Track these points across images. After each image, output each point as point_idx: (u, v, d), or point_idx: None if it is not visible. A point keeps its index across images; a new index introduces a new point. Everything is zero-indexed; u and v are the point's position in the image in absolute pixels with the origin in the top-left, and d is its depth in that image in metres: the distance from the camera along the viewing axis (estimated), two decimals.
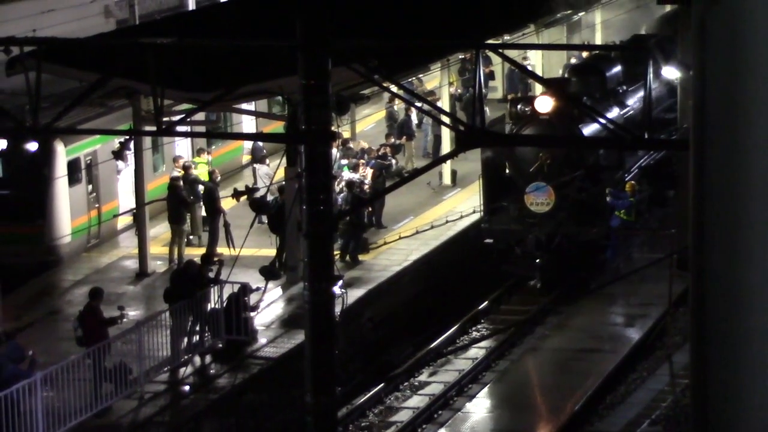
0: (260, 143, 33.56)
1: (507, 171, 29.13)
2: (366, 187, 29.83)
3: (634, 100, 31.17)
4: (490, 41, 29.03)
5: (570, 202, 28.13)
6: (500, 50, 15.29)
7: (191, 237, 29.50)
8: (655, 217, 31.00)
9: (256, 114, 31.95)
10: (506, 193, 28.77)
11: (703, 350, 7.86)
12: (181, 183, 29.16)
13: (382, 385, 24.23)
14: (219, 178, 30.00)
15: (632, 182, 29.79)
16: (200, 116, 29.94)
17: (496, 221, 28.70)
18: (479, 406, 23.79)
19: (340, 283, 24.42)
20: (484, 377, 25.11)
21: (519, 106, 28.72)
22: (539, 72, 36.84)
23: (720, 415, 7.85)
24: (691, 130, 7.86)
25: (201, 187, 29.43)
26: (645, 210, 30.68)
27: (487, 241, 28.63)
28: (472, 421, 23.07)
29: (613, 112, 29.51)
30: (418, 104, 25.74)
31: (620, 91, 31.02)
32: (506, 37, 32.57)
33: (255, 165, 32.46)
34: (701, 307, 7.84)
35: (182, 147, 32.42)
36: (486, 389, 24.50)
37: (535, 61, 38.76)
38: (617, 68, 31.14)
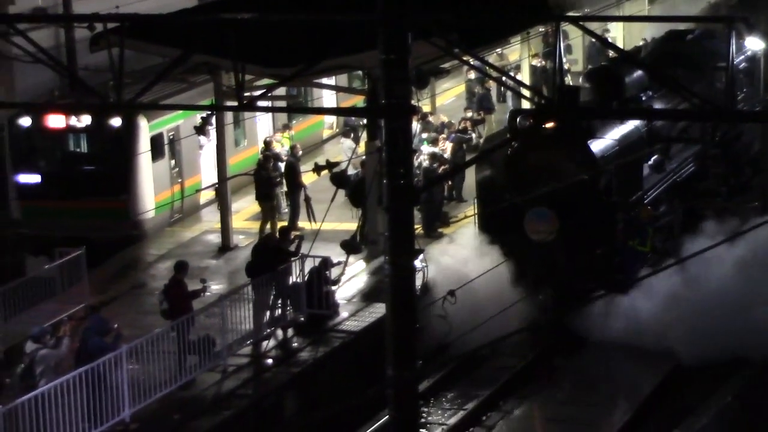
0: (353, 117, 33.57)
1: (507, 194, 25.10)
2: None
3: (661, 108, 27.08)
4: (570, 14, 28.80)
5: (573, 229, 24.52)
6: (580, 22, 15.21)
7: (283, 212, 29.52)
8: (681, 245, 25.65)
9: (337, 89, 32.07)
10: (505, 218, 24.85)
11: None
12: (268, 159, 29.30)
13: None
14: (300, 152, 30.16)
15: (648, 207, 26.05)
16: (281, 91, 30.12)
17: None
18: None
19: (421, 256, 24.64)
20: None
21: (518, 120, 25.02)
22: (620, 45, 36.55)
23: None
24: None
25: (281, 164, 29.55)
26: (669, 237, 26.91)
27: None
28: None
29: (629, 124, 26.21)
30: (498, 77, 25.60)
31: (643, 98, 27.09)
32: (586, 10, 32.29)
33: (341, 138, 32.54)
34: None
35: (263, 122, 32.61)
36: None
37: (615, 33, 38.48)
38: (639, 72, 27.16)
